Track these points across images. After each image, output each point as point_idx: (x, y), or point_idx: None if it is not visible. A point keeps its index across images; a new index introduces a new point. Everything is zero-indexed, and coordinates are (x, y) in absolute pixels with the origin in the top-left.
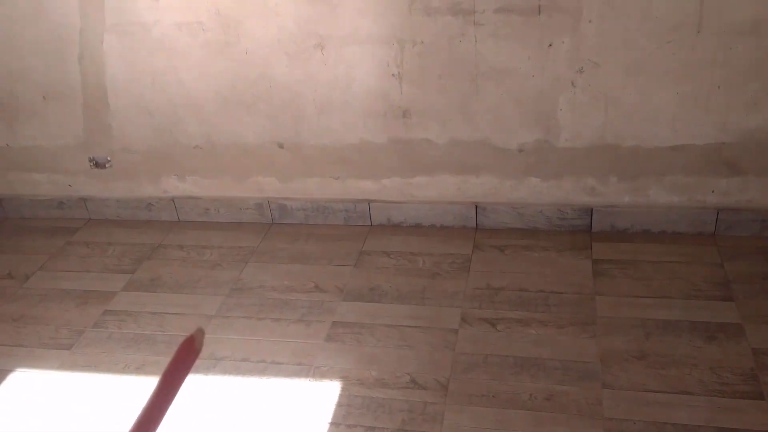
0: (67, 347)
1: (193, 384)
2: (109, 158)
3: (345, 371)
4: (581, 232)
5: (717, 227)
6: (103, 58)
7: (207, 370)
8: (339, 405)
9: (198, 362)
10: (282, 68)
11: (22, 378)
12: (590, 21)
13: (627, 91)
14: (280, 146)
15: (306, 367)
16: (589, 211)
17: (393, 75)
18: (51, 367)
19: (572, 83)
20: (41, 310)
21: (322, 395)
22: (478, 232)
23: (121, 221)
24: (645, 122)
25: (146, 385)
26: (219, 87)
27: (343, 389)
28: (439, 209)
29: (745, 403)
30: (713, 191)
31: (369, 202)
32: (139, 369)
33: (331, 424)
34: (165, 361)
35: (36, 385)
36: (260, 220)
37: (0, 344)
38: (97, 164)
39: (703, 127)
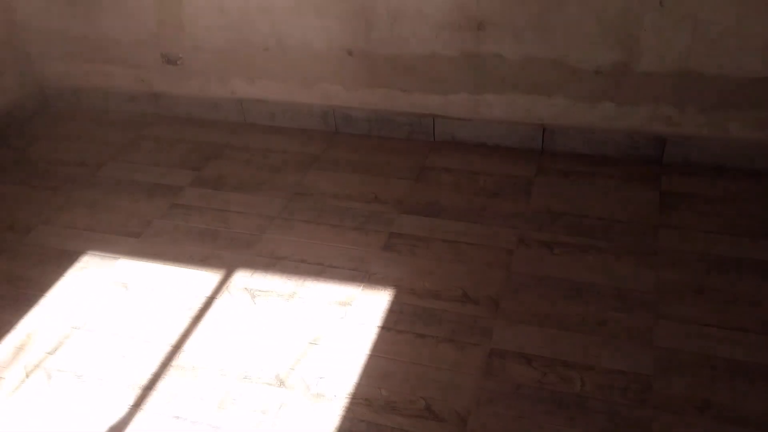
0: (136, 235)
1: (252, 281)
2: (180, 55)
3: (399, 280)
4: (652, 162)
5: None
6: None
7: (267, 267)
8: (390, 311)
9: (258, 260)
10: None
11: (93, 261)
12: None
13: (718, 14)
14: (350, 53)
15: (361, 273)
16: (663, 142)
17: None
18: (121, 252)
19: (660, 2)
20: (113, 198)
21: (375, 301)
22: (544, 156)
23: (189, 119)
24: (734, 50)
25: (208, 277)
26: None
27: (396, 297)
28: (505, 129)
29: None
30: None
31: (434, 117)
32: (203, 261)
33: (382, 328)
34: (228, 256)
35: (105, 269)
36: (324, 128)
37: (74, 227)
38: (169, 60)
39: None
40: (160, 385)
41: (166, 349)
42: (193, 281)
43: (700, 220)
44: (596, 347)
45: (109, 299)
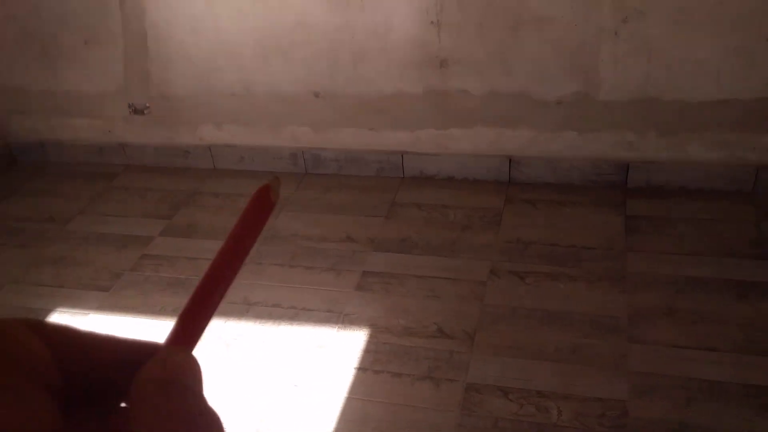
0: (105, 289)
1: (226, 329)
2: (147, 104)
3: (374, 319)
4: (616, 187)
5: (755, 186)
6: (144, 3)
7: (240, 314)
8: (366, 351)
9: (231, 307)
10: (319, 15)
11: (62, 318)
12: None
13: (672, 42)
14: (316, 95)
15: (336, 315)
16: (626, 167)
17: (432, 23)
18: (90, 308)
19: (615, 33)
20: (81, 252)
21: (351, 342)
22: (511, 186)
23: (158, 168)
24: (689, 75)
25: None
26: (257, 34)
27: (371, 336)
28: (473, 162)
29: None
30: (755, 148)
31: (402, 153)
32: (175, 312)
33: (359, 369)
34: None
35: (75, 325)
36: (294, 170)
37: (42, 285)
38: (136, 110)
39: (748, 82)
40: None
41: None
42: (166, 333)
43: (665, 242)
44: (571, 375)
45: None
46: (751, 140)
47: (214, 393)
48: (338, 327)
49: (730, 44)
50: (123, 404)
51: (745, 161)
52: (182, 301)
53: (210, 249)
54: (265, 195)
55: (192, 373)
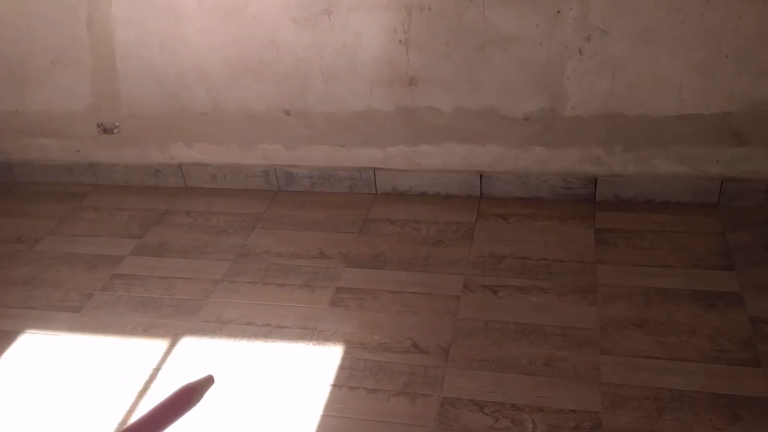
0: (76, 310)
1: (200, 347)
2: (117, 124)
3: (348, 335)
4: (585, 201)
5: (721, 197)
6: (111, 23)
7: (213, 333)
8: (342, 368)
9: (204, 325)
10: (289, 34)
11: (33, 340)
12: None
13: (634, 59)
14: (287, 113)
15: (310, 331)
16: (594, 181)
17: (400, 42)
18: (60, 329)
19: (579, 51)
20: (51, 273)
21: (325, 358)
22: (483, 201)
23: (129, 187)
24: (652, 91)
25: (153, 347)
26: (226, 53)
27: (346, 353)
28: (444, 178)
29: (741, 370)
30: (718, 161)
31: (374, 170)
32: (147, 331)
33: (334, 386)
34: (172, 324)
35: (46, 347)
36: (266, 187)
37: (11, 306)
38: (106, 130)
39: (709, 97)
40: None
41: (113, 427)
42: (137, 353)
43: (634, 254)
44: (545, 387)
45: (49, 379)
46: (714, 154)
47: (188, 413)
48: (313, 344)
49: (691, 61)
50: None
51: (710, 174)
52: (153, 320)
53: (182, 268)
54: (189, 394)
55: None
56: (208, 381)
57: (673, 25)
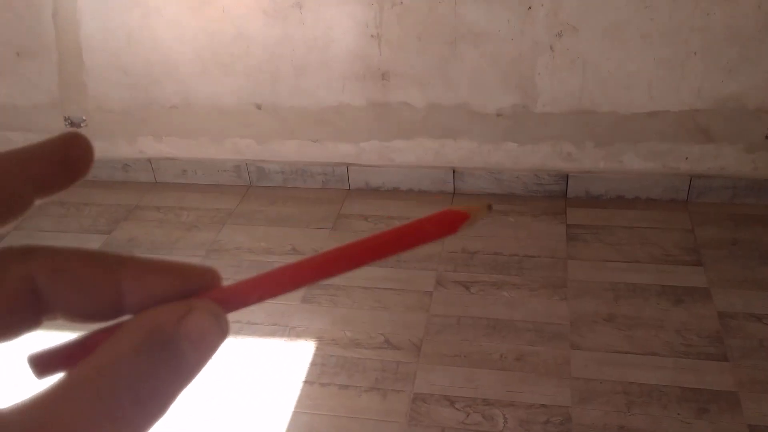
0: None
1: None
2: (84, 117)
3: (320, 332)
4: (557, 197)
5: (689, 194)
6: (77, 14)
7: None
8: (313, 364)
9: None
10: (259, 28)
11: None
12: None
13: (604, 56)
14: (258, 107)
15: (281, 328)
16: (565, 177)
17: (372, 36)
18: None
19: (551, 47)
20: None
21: (297, 355)
22: (456, 197)
23: (97, 182)
24: (621, 88)
25: None
26: (196, 46)
27: (318, 349)
28: (417, 173)
29: (709, 364)
30: (687, 158)
31: (347, 165)
32: None
33: (305, 382)
34: None
35: (10, 348)
36: (238, 182)
37: None
38: (72, 123)
39: (678, 94)
40: None
41: None
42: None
43: (604, 250)
44: (516, 383)
45: (15, 382)
46: (683, 150)
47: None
48: (284, 340)
49: (660, 58)
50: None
51: (679, 171)
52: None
53: None
54: (455, 222)
55: (207, 350)
56: (482, 208)
57: (642, 23)
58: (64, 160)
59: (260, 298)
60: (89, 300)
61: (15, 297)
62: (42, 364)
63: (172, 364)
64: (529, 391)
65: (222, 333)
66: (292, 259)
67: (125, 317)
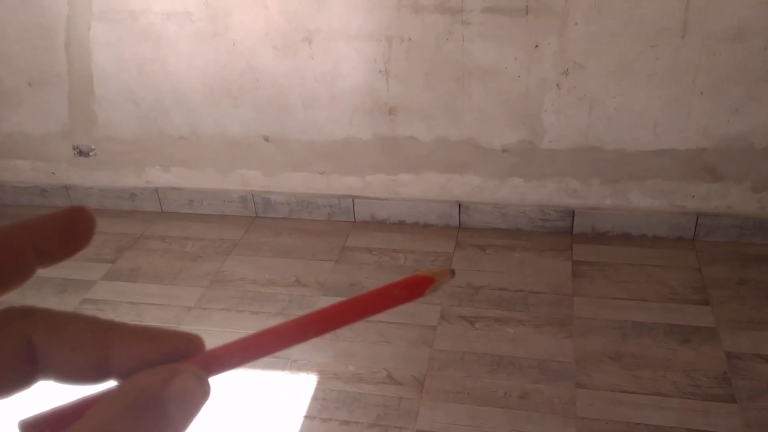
0: None
1: None
2: (93, 147)
3: (322, 365)
4: (562, 233)
5: (696, 232)
6: (89, 45)
7: None
8: (314, 399)
9: None
10: (269, 61)
11: None
12: (576, 23)
13: (611, 94)
14: (266, 140)
15: (283, 361)
16: (571, 213)
17: (380, 71)
18: None
19: (557, 85)
20: (19, 297)
21: (298, 389)
22: (461, 231)
23: (103, 210)
24: (628, 126)
25: None
26: (206, 78)
27: (320, 383)
28: (423, 207)
29: (716, 406)
30: (693, 196)
31: (353, 198)
32: None
33: (306, 417)
34: None
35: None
36: (244, 213)
37: None
38: (81, 152)
39: (684, 133)
40: None
41: None
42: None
43: (610, 287)
44: (521, 421)
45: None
46: (689, 188)
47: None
48: (285, 373)
49: (666, 97)
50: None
51: (685, 209)
52: None
53: (154, 294)
54: (420, 285)
55: (191, 410)
56: (446, 273)
57: (648, 62)
58: (69, 233)
59: (241, 362)
60: (80, 361)
61: (14, 355)
62: (33, 428)
63: (160, 424)
64: (534, 430)
65: (205, 394)
66: (296, 291)
67: (112, 382)
